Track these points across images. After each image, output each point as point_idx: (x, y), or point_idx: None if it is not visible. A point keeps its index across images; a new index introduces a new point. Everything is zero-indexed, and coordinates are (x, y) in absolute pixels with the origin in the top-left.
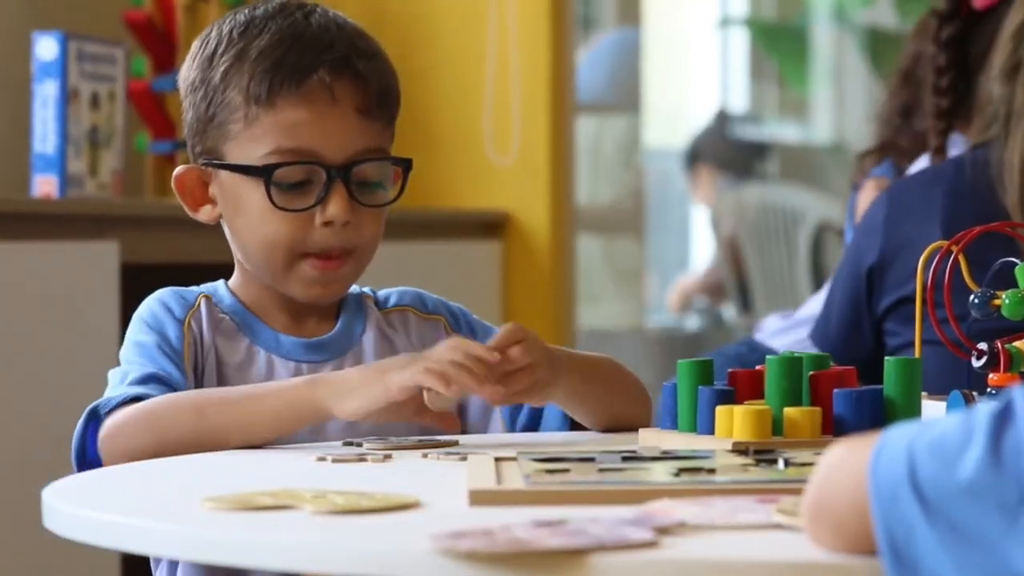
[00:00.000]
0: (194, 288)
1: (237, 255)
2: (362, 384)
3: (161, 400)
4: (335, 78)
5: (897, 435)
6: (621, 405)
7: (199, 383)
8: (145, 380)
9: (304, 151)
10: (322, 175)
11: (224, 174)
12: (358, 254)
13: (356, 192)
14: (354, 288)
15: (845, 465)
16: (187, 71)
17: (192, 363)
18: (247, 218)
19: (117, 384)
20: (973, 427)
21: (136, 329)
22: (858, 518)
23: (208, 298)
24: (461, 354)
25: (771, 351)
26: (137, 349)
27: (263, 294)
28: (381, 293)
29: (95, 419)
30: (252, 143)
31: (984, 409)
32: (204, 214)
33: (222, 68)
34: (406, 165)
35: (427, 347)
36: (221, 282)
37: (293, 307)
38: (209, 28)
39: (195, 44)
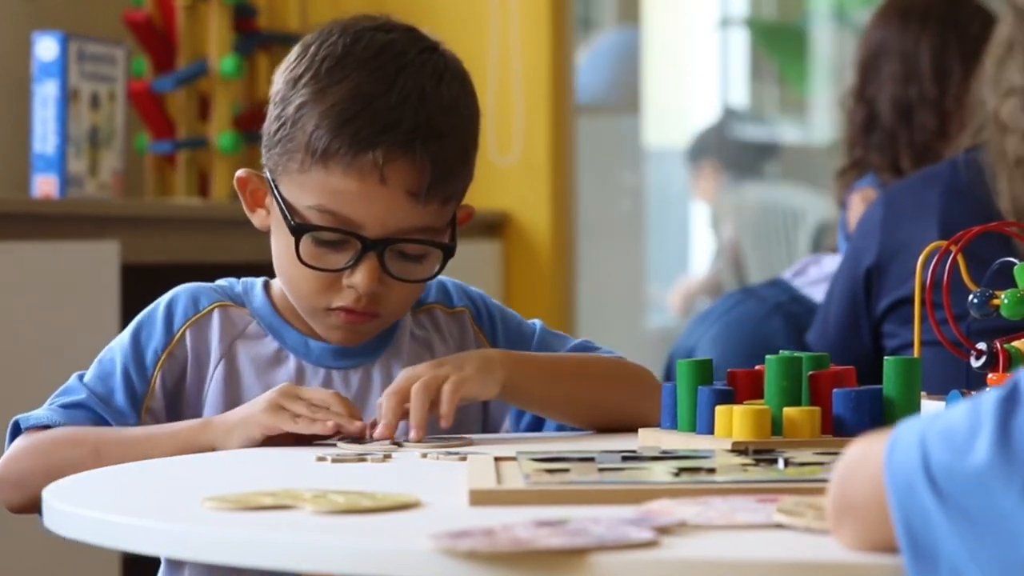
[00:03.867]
0: (216, 291)
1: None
2: (239, 424)
3: (61, 434)
4: (389, 160)
5: (909, 427)
6: (618, 403)
7: (196, 393)
8: (76, 406)
9: (344, 218)
10: (357, 244)
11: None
12: (384, 317)
13: (390, 264)
14: None
15: (864, 462)
16: (281, 73)
17: (177, 373)
18: (282, 252)
19: (54, 398)
20: (981, 413)
21: (127, 332)
22: (881, 513)
23: (226, 305)
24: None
25: (805, 297)
26: (108, 359)
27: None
28: None
29: (18, 432)
30: (302, 189)
31: (991, 395)
32: (258, 218)
33: (298, 101)
34: (447, 251)
35: (457, 344)
36: (261, 280)
37: None
38: (317, 34)
39: (296, 50)
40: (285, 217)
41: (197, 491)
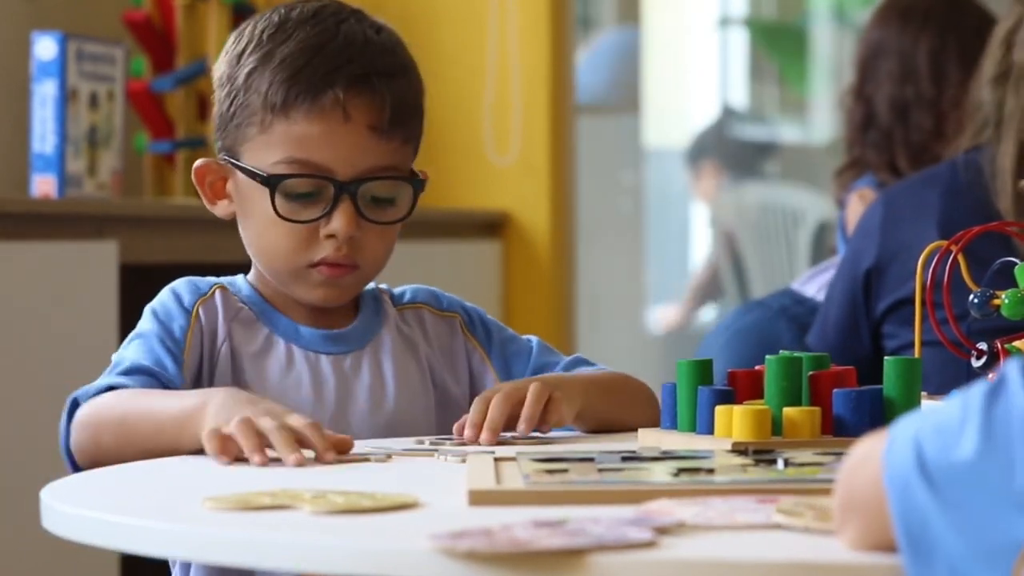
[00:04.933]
0: (211, 278)
1: (248, 252)
2: (202, 427)
3: (122, 394)
4: (350, 96)
5: (905, 425)
6: (639, 417)
7: (211, 371)
8: (130, 371)
9: (314, 164)
10: (330, 189)
11: (239, 175)
12: (363, 269)
13: (364, 208)
14: (370, 285)
15: (866, 462)
16: (219, 64)
17: (199, 351)
18: (256, 222)
19: (106, 372)
20: (969, 406)
21: (144, 318)
22: (883, 513)
23: (224, 288)
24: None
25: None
26: (138, 337)
27: (280, 289)
28: (396, 290)
29: (76, 407)
30: (265, 149)
31: (980, 387)
32: (220, 208)
33: (247, 69)
34: (416, 184)
35: (443, 345)
36: (240, 276)
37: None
38: (248, 22)
39: (231, 37)
40: (255, 177)
41: (197, 491)
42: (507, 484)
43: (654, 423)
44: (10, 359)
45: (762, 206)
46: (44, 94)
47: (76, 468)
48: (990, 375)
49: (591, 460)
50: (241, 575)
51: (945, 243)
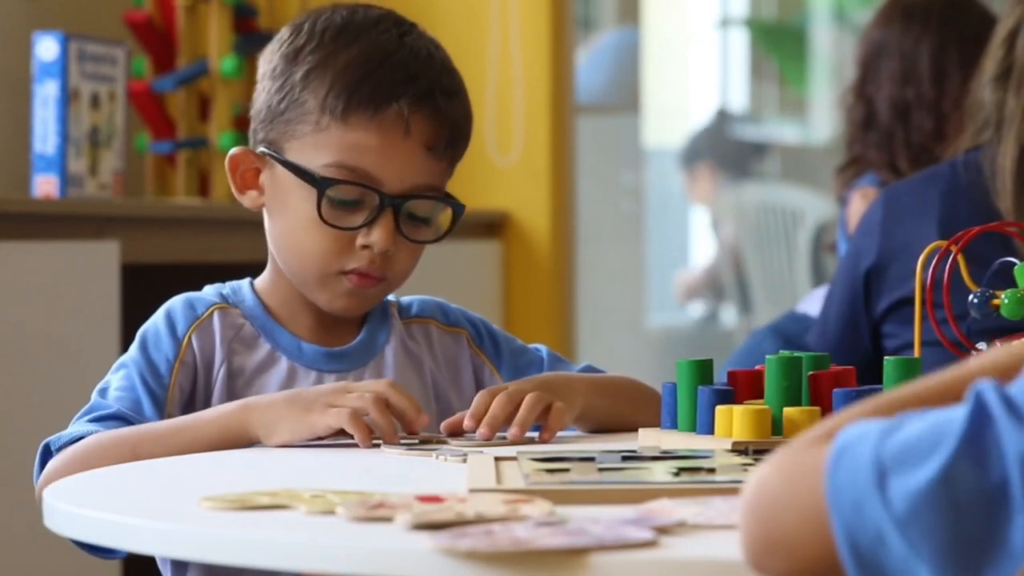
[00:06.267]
0: (210, 296)
1: (271, 248)
2: (288, 417)
3: (95, 440)
4: (413, 111)
5: (853, 441)
6: (644, 419)
7: (207, 395)
8: (105, 418)
9: (364, 173)
10: (375, 200)
11: (280, 169)
12: (389, 282)
13: (402, 224)
14: None
15: (791, 489)
16: (271, 55)
17: (190, 381)
18: (290, 220)
19: (80, 416)
20: (945, 431)
21: (135, 344)
22: (819, 543)
23: (223, 308)
24: (382, 405)
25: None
26: (123, 368)
27: (290, 295)
28: (404, 300)
29: (48, 455)
30: (316, 150)
31: (955, 412)
32: (249, 199)
33: (305, 67)
34: (459, 209)
35: (449, 360)
36: (247, 281)
37: (318, 312)
38: (304, 17)
39: (285, 30)
40: (304, 176)
41: (197, 491)
42: (508, 484)
43: (658, 425)
44: (11, 359)
45: (762, 206)
46: (45, 94)
47: None
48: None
49: (591, 460)
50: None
51: (945, 243)
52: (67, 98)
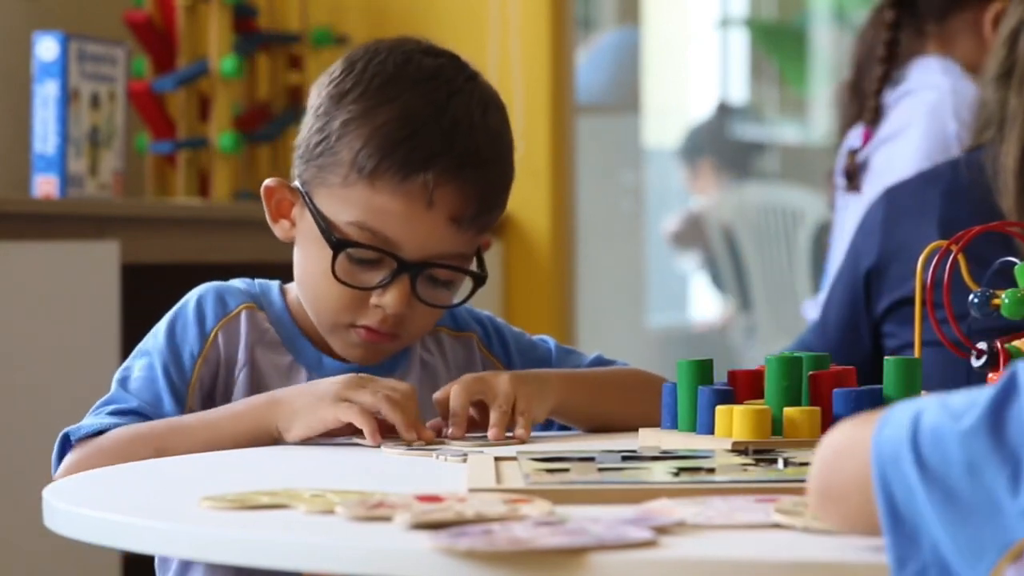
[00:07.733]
0: (242, 288)
1: (296, 279)
2: (303, 409)
3: (120, 435)
4: (439, 184)
5: (902, 408)
6: (635, 412)
7: (226, 393)
8: (126, 413)
9: (384, 237)
10: (392, 264)
11: (308, 212)
12: (402, 339)
13: (420, 286)
14: None
15: (850, 447)
16: (320, 88)
17: (212, 377)
18: (310, 263)
19: (100, 405)
20: (976, 399)
21: (161, 328)
22: (865, 500)
23: (252, 308)
24: (394, 400)
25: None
26: (145, 356)
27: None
28: None
29: (67, 444)
30: (342, 204)
31: (988, 387)
32: (281, 229)
33: (344, 116)
34: (479, 279)
35: (461, 368)
36: (277, 284)
37: None
38: (363, 50)
39: (339, 63)
40: (323, 231)
41: (197, 491)
42: (508, 483)
43: (651, 418)
44: (11, 359)
45: (762, 206)
46: (45, 94)
47: None
48: (991, 375)
49: (591, 459)
50: (240, 574)
51: (945, 243)
52: (67, 98)
